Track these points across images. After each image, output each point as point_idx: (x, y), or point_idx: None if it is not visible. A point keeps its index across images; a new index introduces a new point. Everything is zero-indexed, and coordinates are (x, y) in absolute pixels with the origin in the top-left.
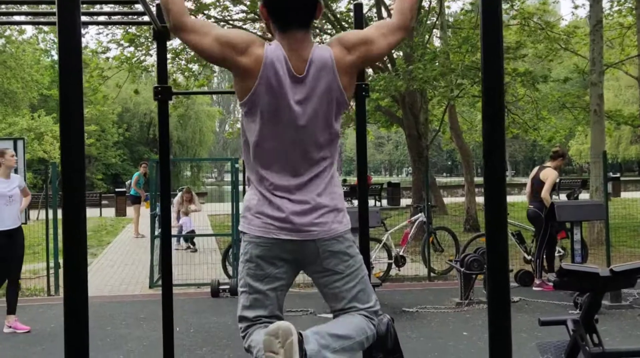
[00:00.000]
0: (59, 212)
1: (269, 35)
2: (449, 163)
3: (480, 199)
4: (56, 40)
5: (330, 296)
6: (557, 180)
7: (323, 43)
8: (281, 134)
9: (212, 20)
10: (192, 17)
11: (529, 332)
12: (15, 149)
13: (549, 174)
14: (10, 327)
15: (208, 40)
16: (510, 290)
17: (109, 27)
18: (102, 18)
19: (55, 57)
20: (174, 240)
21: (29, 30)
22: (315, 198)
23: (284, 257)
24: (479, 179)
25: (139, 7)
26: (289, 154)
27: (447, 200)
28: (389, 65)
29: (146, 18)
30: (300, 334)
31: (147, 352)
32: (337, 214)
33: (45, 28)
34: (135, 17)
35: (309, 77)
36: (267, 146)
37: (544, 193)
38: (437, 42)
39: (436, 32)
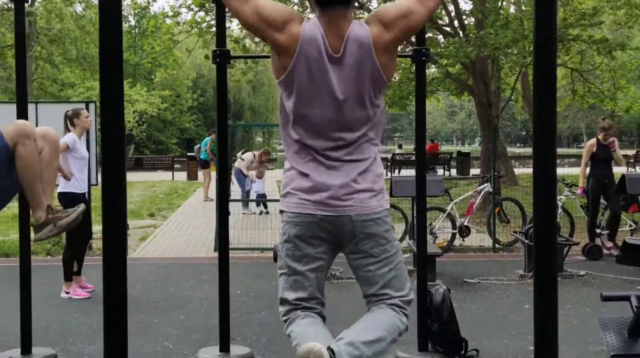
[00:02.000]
0: (128, 175)
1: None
2: (523, 133)
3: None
4: (132, 4)
5: (363, 279)
6: (619, 151)
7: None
8: (319, 113)
9: None
10: None
11: (593, 307)
12: None
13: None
14: (67, 292)
15: (247, 8)
16: (556, 263)
17: None
18: None
19: (132, 22)
20: (240, 205)
21: None
22: (352, 179)
23: (322, 236)
24: (560, 150)
25: None
26: (326, 132)
27: (519, 171)
28: (459, 31)
29: None
30: (332, 351)
31: (208, 313)
32: (374, 194)
33: None
34: None
35: (346, 55)
36: (304, 123)
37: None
38: (512, 9)
39: None
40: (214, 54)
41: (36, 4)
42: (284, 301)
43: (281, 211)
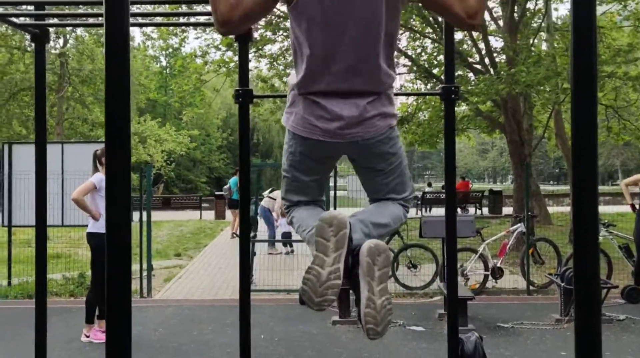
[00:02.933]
0: (153, 214)
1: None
2: (556, 170)
3: None
4: (164, 45)
5: (369, 187)
6: None
7: None
8: (333, 37)
9: None
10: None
11: (635, 354)
12: None
13: None
14: (87, 336)
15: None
16: (601, 308)
17: (207, 31)
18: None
19: (164, 62)
20: (266, 245)
21: (137, 37)
22: (363, 108)
23: (328, 156)
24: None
25: None
26: (341, 58)
27: (552, 209)
28: (490, 68)
29: None
30: (349, 223)
31: None
32: (383, 117)
33: (154, 35)
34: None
35: None
36: (317, 50)
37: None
38: (543, 46)
39: (542, 35)
40: (237, 94)
41: (68, 45)
42: (286, 199)
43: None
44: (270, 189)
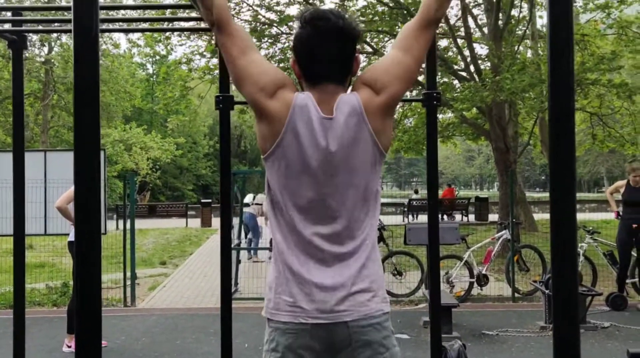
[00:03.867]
0: (137, 222)
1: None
2: (542, 177)
3: (579, 216)
4: (151, 52)
5: None
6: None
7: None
8: (311, 191)
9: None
10: (235, 21)
11: None
12: None
13: None
14: (69, 346)
15: (243, 62)
16: (578, 316)
17: (192, 38)
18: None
19: (150, 70)
20: (249, 253)
21: (123, 44)
22: (347, 279)
23: (313, 346)
24: (581, 195)
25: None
26: (316, 213)
27: (538, 216)
28: (475, 75)
29: (204, 24)
30: None
31: None
32: (373, 295)
33: (140, 42)
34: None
35: (338, 124)
36: (294, 205)
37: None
38: (528, 53)
39: (527, 42)
40: (217, 100)
41: (53, 52)
42: None
43: (267, 319)
44: (253, 195)
